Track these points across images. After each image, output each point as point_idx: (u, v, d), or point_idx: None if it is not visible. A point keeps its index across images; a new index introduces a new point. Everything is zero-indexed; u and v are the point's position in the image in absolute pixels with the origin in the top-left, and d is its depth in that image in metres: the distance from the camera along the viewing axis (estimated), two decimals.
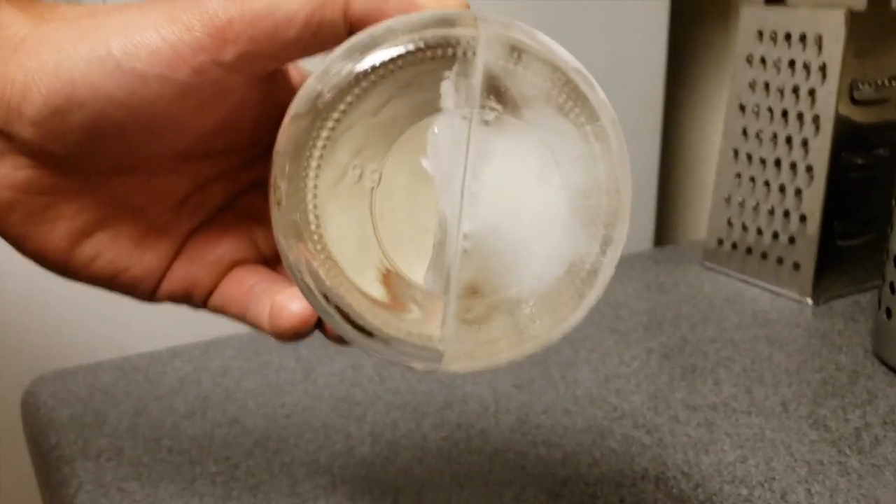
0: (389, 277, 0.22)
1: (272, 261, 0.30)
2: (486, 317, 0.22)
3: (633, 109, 0.74)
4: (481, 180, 0.21)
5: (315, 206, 0.21)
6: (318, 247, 0.21)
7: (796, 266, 0.60)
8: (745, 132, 0.63)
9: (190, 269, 0.29)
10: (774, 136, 0.60)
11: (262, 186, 0.29)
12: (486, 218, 0.22)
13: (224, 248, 0.29)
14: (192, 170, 0.28)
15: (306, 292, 0.22)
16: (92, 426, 0.44)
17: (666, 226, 0.85)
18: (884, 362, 0.50)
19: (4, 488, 0.58)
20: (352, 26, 0.24)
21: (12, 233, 0.26)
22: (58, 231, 0.26)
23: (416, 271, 0.22)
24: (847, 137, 0.57)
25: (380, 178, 0.21)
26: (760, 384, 0.48)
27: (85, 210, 0.27)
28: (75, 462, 0.41)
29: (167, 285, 0.28)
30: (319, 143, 0.21)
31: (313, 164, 0.21)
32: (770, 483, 0.39)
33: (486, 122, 0.21)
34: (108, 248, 0.27)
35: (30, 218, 0.26)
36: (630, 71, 0.73)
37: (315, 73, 0.22)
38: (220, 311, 0.29)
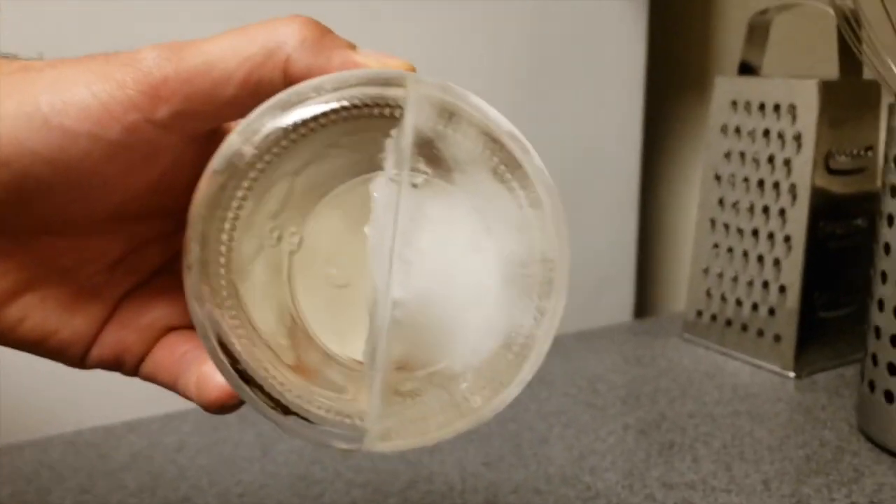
0: (309, 349, 0.20)
1: None
2: (417, 392, 0.20)
3: (611, 182, 0.74)
4: (414, 246, 0.20)
5: (228, 271, 0.20)
6: (232, 313, 0.20)
7: (777, 338, 0.59)
8: (721, 202, 0.62)
9: (121, 335, 0.27)
10: (751, 206, 0.60)
11: None
12: (418, 286, 0.20)
13: (157, 312, 0.28)
14: (126, 231, 0.27)
15: (218, 363, 0.20)
16: None
17: (646, 298, 0.83)
18: (869, 438, 0.48)
19: None
20: (290, 81, 0.23)
21: None
22: None
23: (339, 342, 0.20)
24: (825, 207, 0.56)
25: (300, 242, 0.20)
26: (741, 461, 0.46)
27: (11, 271, 0.25)
28: None
29: (97, 351, 0.27)
30: (234, 204, 0.20)
31: (226, 225, 0.19)
32: None
33: (416, 186, 0.20)
34: (35, 311, 0.26)
35: None
36: (606, 144, 0.73)
37: (236, 129, 0.20)
38: (150, 379, 0.27)
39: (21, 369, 0.53)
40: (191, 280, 0.20)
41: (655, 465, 0.46)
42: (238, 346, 0.20)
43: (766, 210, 0.59)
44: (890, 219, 0.46)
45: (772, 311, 0.59)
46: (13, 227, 0.25)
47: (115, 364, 0.27)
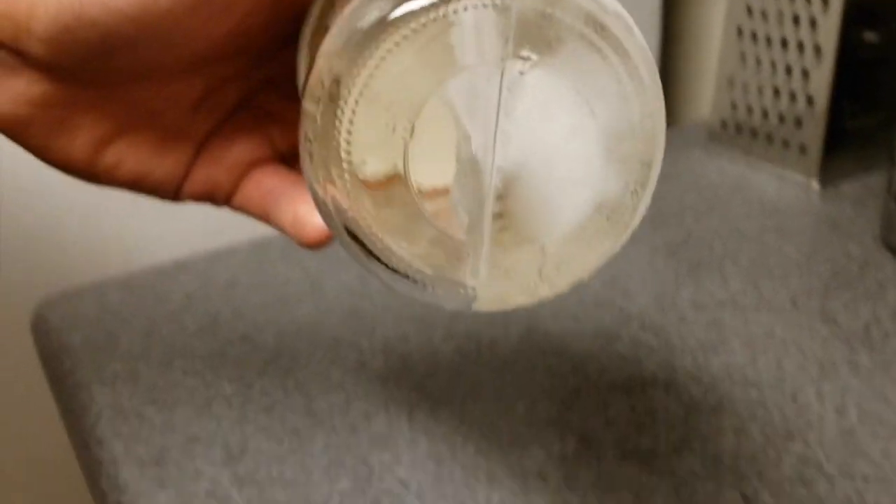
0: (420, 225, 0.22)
1: (289, 158, 0.31)
2: (517, 258, 0.22)
3: None
4: (514, 120, 0.21)
5: (349, 154, 0.20)
6: (352, 194, 0.21)
7: (802, 149, 0.59)
8: (749, 10, 0.60)
9: (209, 172, 0.30)
10: (780, 14, 0.58)
11: (275, 84, 0.30)
12: (518, 158, 0.21)
13: (241, 149, 0.30)
14: (205, 73, 0.28)
15: (347, 247, 0.22)
16: (104, 349, 0.45)
17: (668, 106, 0.83)
18: (892, 251, 0.50)
19: (24, 412, 0.59)
20: None
21: (34, 144, 0.27)
22: (78, 141, 0.27)
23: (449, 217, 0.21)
24: (857, 14, 0.55)
25: (412, 130, 0.20)
26: (769, 278, 0.48)
27: (103, 119, 0.27)
28: (91, 387, 0.42)
29: (189, 187, 0.30)
30: (355, 91, 0.20)
31: (346, 115, 0.20)
32: (780, 384, 0.40)
33: (521, 72, 0.20)
34: (129, 155, 0.28)
35: (49, 131, 0.27)
36: None
37: (352, 8, 0.20)
38: (241, 210, 0.30)
39: (64, 215, 0.55)
40: (311, 166, 0.21)
41: (685, 286, 0.48)
42: (355, 219, 0.21)
43: (796, 19, 0.57)
44: None
45: (798, 122, 0.59)
46: (102, 80, 0.26)
47: (207, 198, 0.30)
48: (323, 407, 0.40)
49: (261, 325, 0.46)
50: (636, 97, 0.21)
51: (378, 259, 0.22)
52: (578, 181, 0.21)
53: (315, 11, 0.27)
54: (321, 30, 0.26)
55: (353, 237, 0.22)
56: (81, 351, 0.45)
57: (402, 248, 0.22)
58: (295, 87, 0.29)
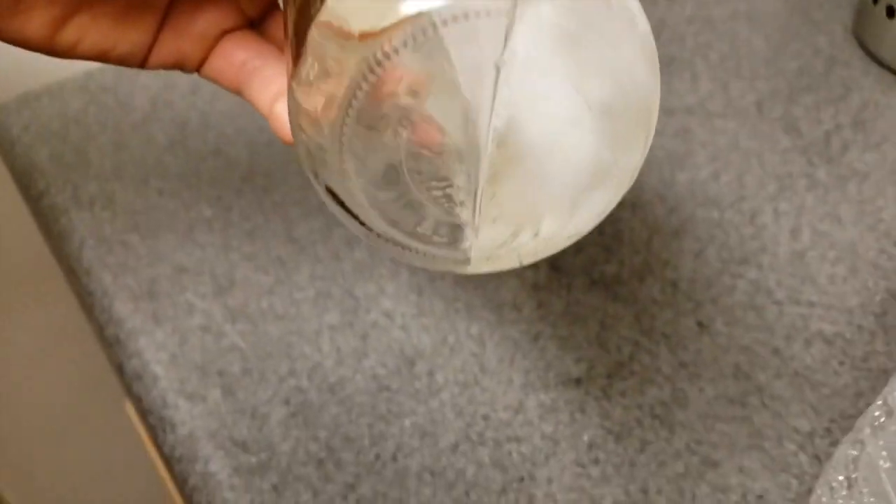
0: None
1: (259, 22, 0.30)
2: (509, 229, 0.22)
3: None
4: (510, 78, 0.20)
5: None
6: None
7: None
8: None
9: (176, 43, 0.29)
10: None
11: None
12: (514, 118, 0.21)
13: (207, 17, 0.29)
14: None
15: (329, 205, 0.22)
16: (76, 168, 0.44)
17: None
18: (862, 45, 0.50)
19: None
20: None
21: None
22: (35, 20, 0.26)
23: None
24: None
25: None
26: (737, 77, 0.49)
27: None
28: (70, 212, 0.42)
29: (156, 58, 0.29)
30: None
31: None
32: (740, 203, 0.42)
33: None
34: (89, 30, 0.27)
35: (4, 10, 0.26)
36: None
37: None
38: (213, 81, 0.30)
39: None
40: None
41: None
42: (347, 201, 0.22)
43: None
44: None
45: None
46: None
47: (176, 67, 0.29)
48: (304, 233, 0.41)
49: (230, 137, 0.46)
50: (634, 56, 0.20)
51: (360, 221, 0.22)
52: (572, 142, 0.21)
53: None
54: None
55: (334, 196, 0.22)
56: (52, 170, 0.44)
57: (392, 228, 0.22)
58: None
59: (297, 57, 0.21)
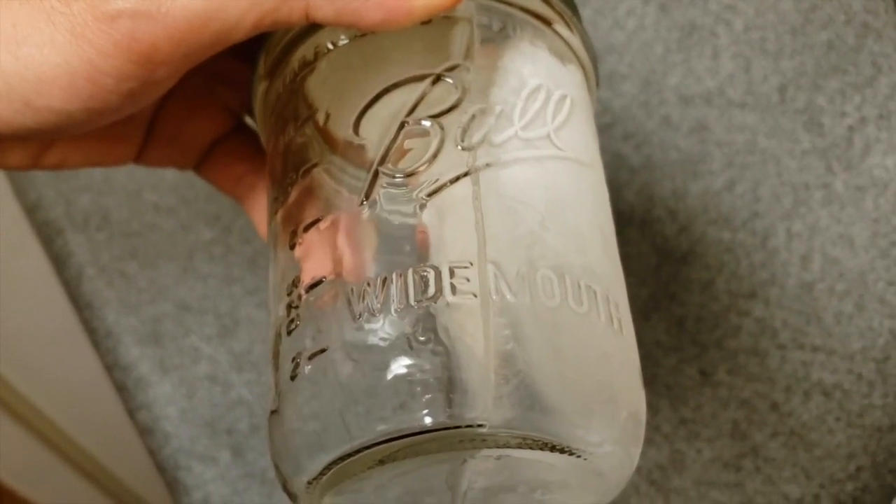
0: None
1: (249, 113, 0.28)
2: None
3: None
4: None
5: None
6: None
7: None
8: None
9: (166, 152, 0.28)
10: None
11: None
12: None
13: (195, 126, 0.28)
14: None
15: None
16: (66, 177, 0.43)
17: None
18: None
19: None
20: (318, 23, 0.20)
21: None
22: (13, 157, 0.25)
23: None
24: None
25: None
26: (762, 54, 0.45)
27: (29, 144, 0.25)
28: (66, 233, 0.41)
29: (149, 162, 0.28)
30: None
31: None
32: (753, 221, 0.41)
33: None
34: (71, 154, 0.26)
35: None
36: None
37: None
38: (214, 186, 0.29)
39: None
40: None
41: (674, 67, 0.45)
42: None
43: None
44: None
45: None
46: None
47: (172, 167, 0.29)
48: None
49: None
50: None
51: None
52: None
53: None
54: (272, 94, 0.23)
55: None
56: (43, 178, 0.43)
57: None
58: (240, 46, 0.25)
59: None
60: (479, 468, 0.19)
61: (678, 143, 0.43)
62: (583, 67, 0.22)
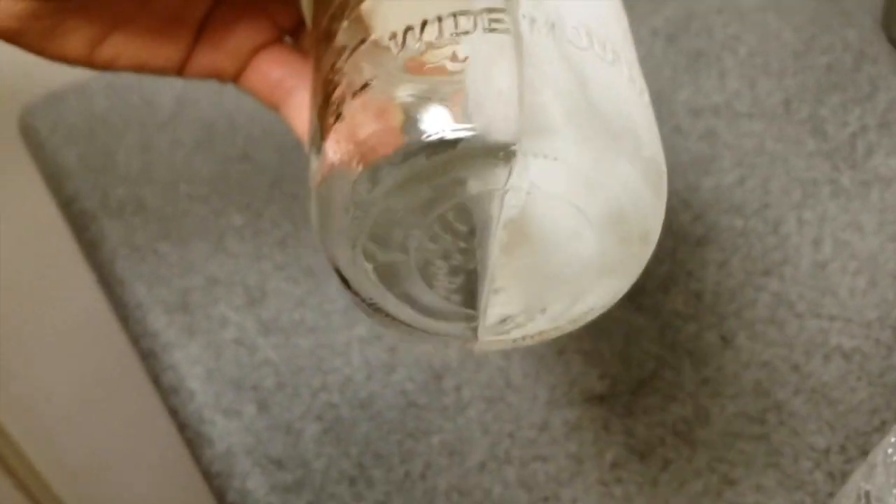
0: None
1: (294, 31, 0.31)
2: (517, 303, 0.23)
3: None
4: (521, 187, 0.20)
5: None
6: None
7: None
8: None
9: (211, 57, 0.30)
10: None
11: None
12: (525, 213, 0.21)
13: (241, 32, 0.30)
14: None
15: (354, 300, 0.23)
16: (103, 170, 0.45)
17: None
18: (891, 40, 0.50)
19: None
20: None
21: (29, 48, 0.28)
22: (73, 42, 0.28)
23: None
24: None
25: None
26: (765, 74, 0.48)
27: (92, 22, 0.28)
28: (101, 220, 0.43)
29: (192, 70, 0.30)
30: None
31: None
32: (764, 211, 0.42)
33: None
34: (125, 48, 0.28)
35: (42, 37, 0.27)
36: None
37: None
38: (250, 95, 0.31)
39: None
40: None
41: (683, 85, 0.48)
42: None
43: None
44: None
45: None
46: None
47: (213, 77, 0.30)
48: None
49: (259, 141, 0.46)
50: (636, 191, 0.20)
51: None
52: (576, 256, 0.21)
53: None
54: None
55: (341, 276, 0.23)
56: (81, 173, 0.45)
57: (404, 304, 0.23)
58: None
59: (323, 129, 0.21)
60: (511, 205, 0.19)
61: (689, 146, 0.45)
62: None
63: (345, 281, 0.23)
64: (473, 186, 0.20)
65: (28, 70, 0.51)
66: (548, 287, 0.22)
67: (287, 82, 0.29)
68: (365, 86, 0.20)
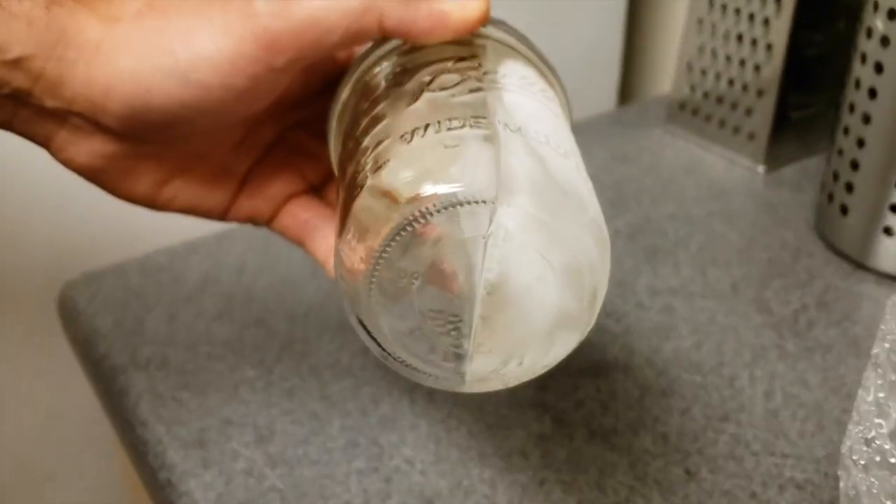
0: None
1: (320, 187, 0.38)
2: (500, 353, 0.28)
3: None
4: (498, 247, 0.26)
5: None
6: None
7: (751, 136, 0.66)
8: (710, 3, 0.66)
9: (251, 203, 0.36)
10: (738, 11, 0.64)
11: (305, 124, 0.37)
12: (502, 273, 0.27)
13: (278, 184, 0.36)
14: (247, 122, 0.35)
15: (359, 332, 0.28)
16: (133, 333, 0.50)
17: (630, 81, 0.89)
18: (822, 238, 0.58)
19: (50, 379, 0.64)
20: (385, 32, 0.29)
21: (105, 186, 0.34)
22: (141, 183, 0.34)
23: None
24: (807, 14, 0.61)
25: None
26: (714, 265, 0.56)
27: (161, 167, 0.34)
28: (128, 372, 0.48)
29: (234, 214, 0.36)
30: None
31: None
32: (720, 369, 0.48)
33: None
34: (183, 191, 0.35)
35: (118, 177, 0.33)
36: None
37: None
38: (280, 235, 0.37)
39: (73, 204, 0.60)
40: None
41: (643, 272, 0.55)
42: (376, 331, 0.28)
43: (751, 17, 0.63)
44: (869, 31, 0.51)
45: (749, 111, 0.65)
46: (162, 141, 0.32)
47: (250, 221, 0.37)
48: (336, 391, 0.46)
49: (272, 309, 0.52)
50: (584, 244, 0.26)
51: (382, 348, 0.28)
52: (543, 301, 0.27)
53: (342, 92, 0.33)
54: (346, 109, 0.32)
55: (363, 327, 0.28)
56: (113, 335, 0.50)
57: (405, 352, 0.28)
58: (323, 126, 0.35)
59: (343, 224, 0.28)
60: (493, 254, 0.25)
61: (651, 317, 0.51)
62: (558, 94, 0.32)
63: (367, 332, 0.28)
64: (461, 232, 0.26)
65: (69, 252, 0.59)
66: (525, 336, 0.28)
67: (312, 222, 0.36)
68: (378, 168, 0.27)
